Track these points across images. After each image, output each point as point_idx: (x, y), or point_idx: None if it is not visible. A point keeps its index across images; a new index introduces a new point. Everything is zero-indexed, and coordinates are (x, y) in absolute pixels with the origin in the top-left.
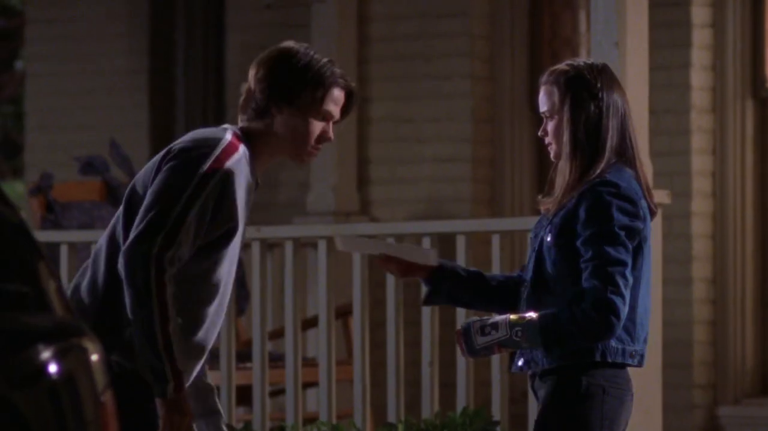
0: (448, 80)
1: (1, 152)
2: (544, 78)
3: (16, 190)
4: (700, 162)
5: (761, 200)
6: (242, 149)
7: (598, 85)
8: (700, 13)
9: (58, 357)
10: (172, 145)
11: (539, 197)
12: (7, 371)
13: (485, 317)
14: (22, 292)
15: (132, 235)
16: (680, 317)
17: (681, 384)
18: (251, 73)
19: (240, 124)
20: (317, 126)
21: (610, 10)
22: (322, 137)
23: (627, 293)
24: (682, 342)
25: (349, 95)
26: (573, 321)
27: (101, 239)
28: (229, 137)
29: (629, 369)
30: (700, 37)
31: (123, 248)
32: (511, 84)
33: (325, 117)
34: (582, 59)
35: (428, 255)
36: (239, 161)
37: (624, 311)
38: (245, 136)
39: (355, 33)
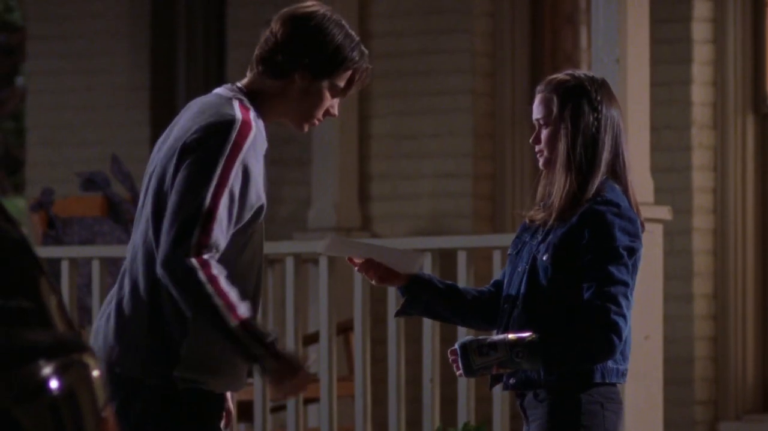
0: (450, 96)
1: (3, 168)
2: (541, 86)
3: (18, 206)
4: (701, 178)
5: (762, 216)
6: (254, 122)
7: (598, 98)
8: (700, 29)
9: (59, 373)
10: (185, 138)
11: (522, 212)
12: (9, 386)
13: (482, 338)
14: (23, 308)
15: (166, 243)
16: (681, 334)
17: (682, 400)
18: (282, 29)
19: (249, 76)
20: (329, 101)
21: (611, 26)
22: (328, 112)
23: (628, 314)
24: (683, 358)
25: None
26: (575, 341)
27: (135, 238)
28: (238, 113)
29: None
30: (701, 52)
31: (159, 258)
32: (512, 100)
33: (341, 94)
34: (582, 71)
35: (415, 260)
36: (254, 138)
37: (625, 331)
38: (253, 93)
39: None
